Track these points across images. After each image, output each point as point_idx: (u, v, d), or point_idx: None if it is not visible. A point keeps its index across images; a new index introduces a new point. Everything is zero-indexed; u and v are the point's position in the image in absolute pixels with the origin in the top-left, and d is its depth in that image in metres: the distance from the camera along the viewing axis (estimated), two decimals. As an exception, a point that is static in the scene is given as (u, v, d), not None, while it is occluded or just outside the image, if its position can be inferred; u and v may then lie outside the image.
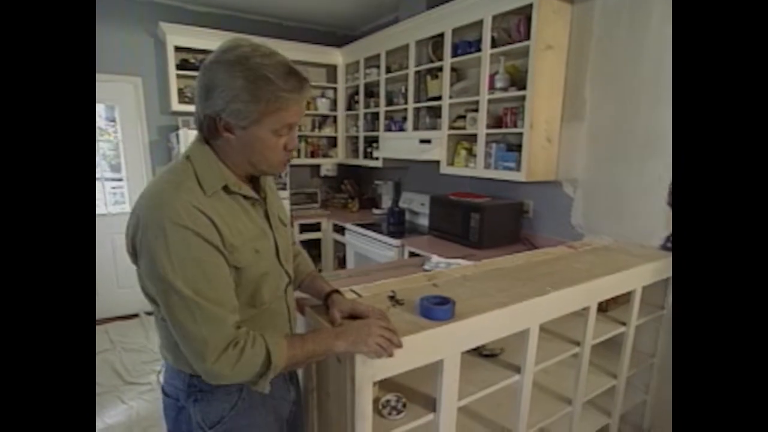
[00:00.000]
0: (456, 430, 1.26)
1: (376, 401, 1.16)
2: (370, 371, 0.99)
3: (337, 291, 1.15)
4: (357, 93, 3.83)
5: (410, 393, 1.24)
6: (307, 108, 3.94)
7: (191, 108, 3.25)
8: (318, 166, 4.22)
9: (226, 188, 0.89)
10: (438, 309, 1.12)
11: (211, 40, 3.24)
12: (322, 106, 3.99)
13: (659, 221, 1.97)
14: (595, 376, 1.79)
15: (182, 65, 3.26)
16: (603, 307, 1.84)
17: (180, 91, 3.28)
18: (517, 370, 1.39)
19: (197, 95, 0.87)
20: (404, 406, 1.17)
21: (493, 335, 1.24)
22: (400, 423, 1.13)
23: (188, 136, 2.96)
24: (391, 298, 1.26)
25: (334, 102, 4.06)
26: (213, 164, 0.88)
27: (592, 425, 1.80)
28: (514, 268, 1.62)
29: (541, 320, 1.35)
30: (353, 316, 1.06)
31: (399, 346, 0.97)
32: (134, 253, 0.84)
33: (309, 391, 1.23)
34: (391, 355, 0.96)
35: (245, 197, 0.93)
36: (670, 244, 1.95)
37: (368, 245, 3.12)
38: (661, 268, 1.82)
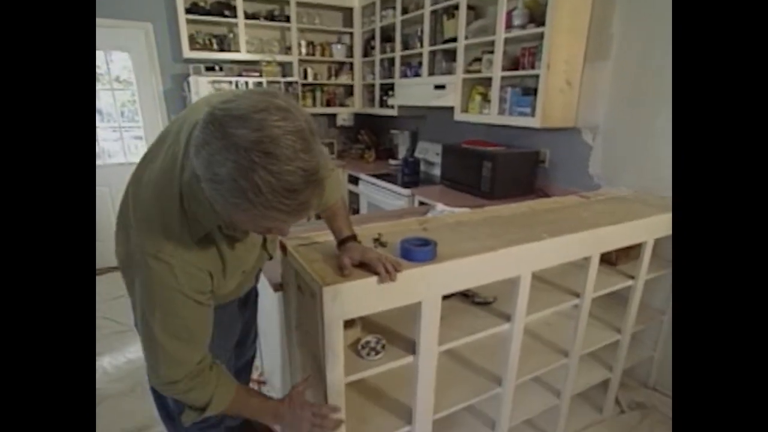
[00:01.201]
0: (442, 373, 1.25)
1: (356, 342, 1.16)
2: (338, 310, 0.97)
3: (353, 237, 1.10)
4: (373, 38, 3.66)
5: (394, 336, 1.23)
6: (321, 54, 3.83)
7: (203, 55, 3.22)
8: (334, 116, 4.14)
9: (220, 228, 0.85)
10: (418, 250, 1.08)
11: (221, -19, 3.13)
12: (338, 53, 3.85)
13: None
14: (599, 330, 1.74)
15: (192, 9, 3.18)
16: (612, 260, 1.76)
17: (191, 38, 3.22)
18: (509, 318, 1.35)
19: (194, 134, 0.68)
20: (383, 347, 1.16)
21: (478, 280, 1.20)
22: (378, 363, 1.13)
23: (198, 83, 2.94)
24: (376, 240, 1.23)
25: (350, 48, 3.91)
26: (205, 210, 0.77)
27: (592, 378, 1.77)
28: (513, 216, 1.55)
29: (533, 268, 1.29)
30: (363, 264, 1.02)
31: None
32: (123, 270, 0.89)
33: (292, 329, 1.24)
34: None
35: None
36: (691, 195, 1.81)
37: (380, 195, 3.09)
38: (679, 220, 1.70)
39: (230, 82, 3.02)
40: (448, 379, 1.38)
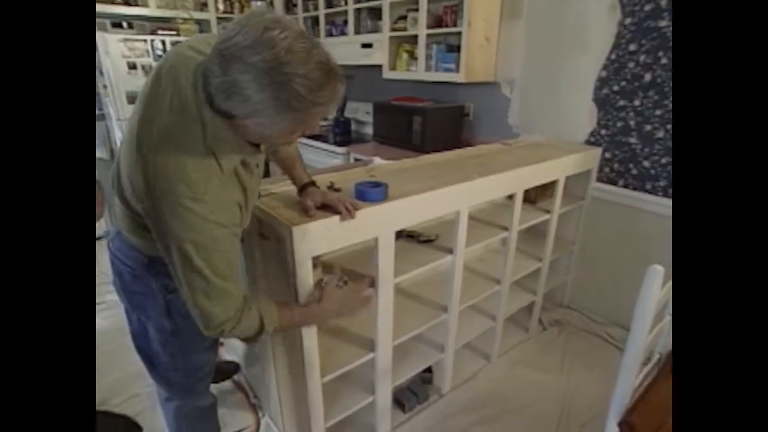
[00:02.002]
0: (397, 308, 1.40)
1: (320, 281, 1.26)
2: (308, 246, 1.06)
3: (312, 183, 1.19)
4: (294, -6, 3.57)
5: (351, 274, 1.35)
6: (240, 11, 3.65)
7: (105, 8, 2.92)
8: (258, 78, 4.01)
9: (243, 162, 0.88)
10: (371, 191, 1.19)
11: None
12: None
13: (584, 117, 2.09)
14: (523, 260, 2.00)
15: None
16: (532, 199, 2.00)
17: (91, -10, 2.90)
18: (451, 251, 1.53)
19: (215, 81, 0.72)
20: (345, 283, 1.27)
21: (424, 216, 1.34)
22: (342, 297, 1.25)
23: (107, 42, 2.68)
24: (329, 187, 1.31)
25: (271, 5, 3.77)
26: (230, 139, 0.81)
27: (520, 302, 2.04)
28: (448, 161, 1.70)
29: (469, 203, 1.46)
30: (324, 206, 1.13)
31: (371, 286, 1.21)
32: (145, 209, 0.83)
33: (258, 277, 1.31)
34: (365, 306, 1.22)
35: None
36: (593, 139, 2.09)
37: (315, 155, 3.12)
38: (583, 160, 1.98)
39: (144, 41, 2.80)
40: (402, 312, 1.54)
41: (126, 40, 2.71)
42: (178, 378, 1.17)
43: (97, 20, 2.91)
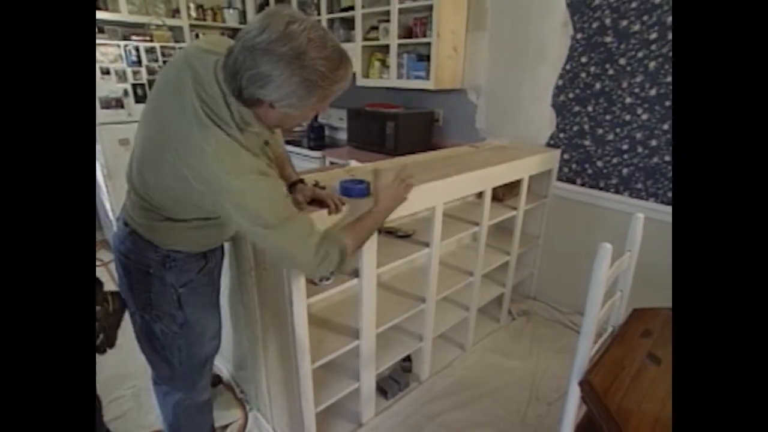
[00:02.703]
0: (379, 300, 1.50)
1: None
2: (300, 239, 1.15)
3: (301, 180, 1.30)
4: (267, 3, 3.63)
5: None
6: (213, 20, 3.69)
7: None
8: (231, 85, 4.04)
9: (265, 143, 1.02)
10: (355, 187, 1.29)
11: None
12: (230, 18, 3.74)
13: (545, 122, 2.28)
14: (492, 255, 2.14)
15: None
16: (500, 197, 2.16)
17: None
18: (427, 245, 1.65)
19: (245, 71, 0.83)
20: (332, 274, 1.37)
21: (403, 211, 1.45)
22: (329, 287, 1.34)
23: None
24: (315, 184, 1.41)
25: (243, 14, 3.82)
26: (253, 125, 0.94)
27: (491, 294, 2.18)
28: (423, 162, 1.83)
29: (444, 199, 1.59)
30: (314, 200, 1.25)
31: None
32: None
33: (248, 271, 1.38)
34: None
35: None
36: (552, 141, 2.28)
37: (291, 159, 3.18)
38: (545, 160, 2.16)
39: (117, 45, 2.81)
40: (383, 303, 1.64)
41: (98, 45, 2.71)
42: (182, 371, 1.24)
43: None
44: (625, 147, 2.01)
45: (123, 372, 1.92)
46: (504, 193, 2.15)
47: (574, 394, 1.05)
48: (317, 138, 3.32)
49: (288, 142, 3.29)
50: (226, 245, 1.41)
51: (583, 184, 2.21)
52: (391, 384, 1.81)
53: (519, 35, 2.26)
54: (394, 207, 1.25)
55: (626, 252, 1.21)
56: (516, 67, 2.32)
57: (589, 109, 2.09)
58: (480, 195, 1.84)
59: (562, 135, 2.23)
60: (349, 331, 1.51)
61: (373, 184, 1.24)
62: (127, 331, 1.21)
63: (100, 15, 2.98)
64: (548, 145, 2.30)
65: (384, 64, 2.77)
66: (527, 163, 2.02)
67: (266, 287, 1.35)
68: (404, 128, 2.62)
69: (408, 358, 1.89)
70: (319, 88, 0.85)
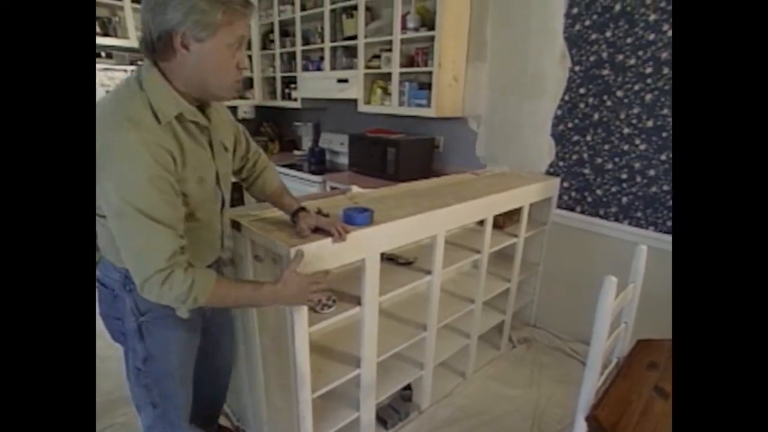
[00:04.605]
0: (380, 327, 1.49)
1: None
2: (302, 268, 1.15)
3: (303, 208, 1.28)
4: (272, 31, 3.72)
5: (339, 294, 1.44)
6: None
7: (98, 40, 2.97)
8: (235, 108, 4.10)
9: (179, 116, 0.93)
10: (359, 215, 1.30)
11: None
12: (234, 44, 3.82)
13: (544, 150, 2.31)
14: (493, 281, 2.14)
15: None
16: (500, 225, 2.17)
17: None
18: (429, 272, 1.64)
19: (147, 12, 0.86)
20: (334, 302, 1.37)
21: (406, 239, 1.46)
22: (331, 315, 1.33)
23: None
24: (318, 212, 1.41)
25: (248, 41, 3.90)
26: (168, 92, 0.91)
27: (491, 321, 2.17)
28: (425, 189, 1.85)
29: (446, 227, 1.60)
30: (317, 229, 1.22)
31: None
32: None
33: (247, 298, 1.37)
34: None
35: (196, 124, 0.98)
36: (552, 170, 2.30)
37: (291, 183, 3.18)
38: (545, 188, 2.18)
39: (125, 71, 2.86)
40: (383, 330, 1.62)
41: (106, 69, 2.76)
42: (156, 413, 1.17)
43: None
44: (624, 176, 2.04)
45: (116, 398, 1.87)
46: (504, 220, 2.16)
47: (581, 429, 1.04)
48: (318, 162, 3.35)
49: (289, 166, 3.33)
50: (230, 274, 1.41)
51: (582, 212, 2.23)
52: (391, 413, 1.77)
53: (518, 66, 2.32)
54: (288, 302, 1.09)
55: (630, 284, 1.22)
56: (515, 97, 2.37)
57: (588, 138, 2.13)
58: (481, 222, 1.85)
59: (561, 163, 2.26)
60: (350, 359, 1.49)
61: (291, 262, 1.09)
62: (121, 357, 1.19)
63: (108, 41, 3.04)
64: (548, 173, 2.32)
65: (386, 92, 2.82)
66: (528, 191, 2.03)
67: (267, 313, 1.34)
68: (405, 154, 2.65)
69: (408, 387, 1.86)
70: (222, 6, 0.85)
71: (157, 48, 0.88)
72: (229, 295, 1.00)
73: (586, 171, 2.17)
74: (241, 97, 4.01)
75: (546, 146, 2.30)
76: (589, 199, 2.19)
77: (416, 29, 2.51)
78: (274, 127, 4.21)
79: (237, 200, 3.62)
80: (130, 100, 0.89)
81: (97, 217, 0.97)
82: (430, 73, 2.47)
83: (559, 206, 2.31)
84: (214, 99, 1.02)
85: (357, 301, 1.40)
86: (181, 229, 0.93)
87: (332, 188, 2.80)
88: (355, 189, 2.34)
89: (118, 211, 0.86)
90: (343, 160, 3.37)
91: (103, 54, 2.98)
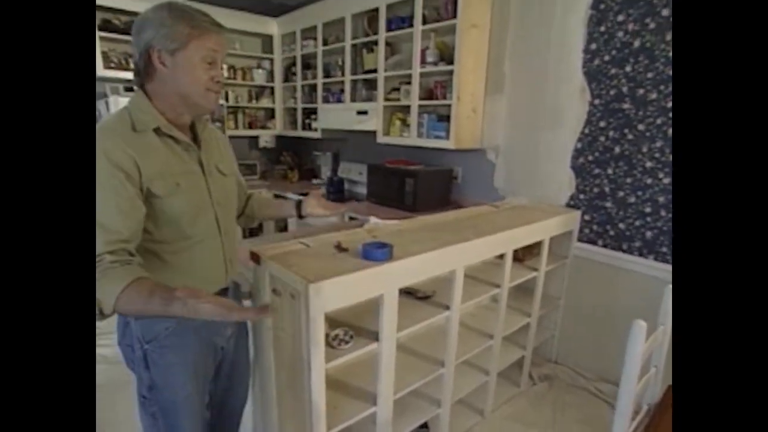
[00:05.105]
0: (396, 363, 1.46)
1: (326, 335, 1.33)
2: (321, 303, 1.14)
3: (301, 200, 1.39)
4: (294, 65, 3.84)
5: (357, 329, 1.42)
6: (242, 78, 3.90)
7: (120, 74, 3.13)
8: (256, 138, 4.21)
9: (157, 130, 1.01)
10: (378, 251, 1.29)
11: (136, 1, 3.09)
12: (258, 77, 3.96)
13: (564, 183, 2.29)
14: (513, 316, 2.09)
15: (105, 26, 3.08)
16: (520, 258, 2.13)
17: (104, 55, 3.11)
18: (447, 307, 1.62)
19: (133, 37, 0.99)
20: (351, 338, 1.35)
21: (425, 275, 1.45)
22: (348, 351, 1.31)
23: (119, 104, 2.85)
24: (337, 246, 1.42)
25: (271, 73, 4.04)
26: (147, 108, 1.01)
27: (511, 357, 2.11)
28: (443, 222, 1.84)
29: (465, 263, 1.58)
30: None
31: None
32: None
33: (265, 330, 1.36)
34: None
35: (176, 141, 1.06)
36: (572, 202, 2.28)
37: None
38: (565, 221, 2.14)
39: None
40: (400, 366, 1.59)
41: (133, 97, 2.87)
42: None
43: (111, 85, 3.10)
44: (647, 210, 2.00)
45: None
46: (524, 253, 2.13)
47: (609, 481, 0.98)
48: (337, 191, 3.39)
49: (306, 195, 3.35)
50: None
51: (605, 246, 2.18)
52: (408, 454, 1.71)
53: (537, 99, 2.33)
54: (208, 315, 0.85)
55: (660, 326, 1.17)
56: (534, 129, 2.37)
57: (609, 171, 2.10)
58: (501, 255, 1.83)
59: (582, 196, 2.23)
60: (366, 395, 1.45)
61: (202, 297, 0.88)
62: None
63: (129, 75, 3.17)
64: (568, 205, 2.29)
65: (404, 123, 2.86)
66: (548, 224, 2.01)
67: (283, 348, 1.33)
68: (423, 185, 2.66)
69: (425, 425, 1.80)
70: (186, 17, 0.97)
71: (140, 69, 1.01)
72: (139, 303, 0.86)
73: (608, 204, 2.13)
74: (262, 127, 4.12)
75: (566, 178, 2.28)
76: (612, 233, 2.14)
77: (435, 63, 2.55)
78: (293, 156, 4.29)
79: (256, 229, 3.67)
80: (113, 115, 1.02)
81: None
82: (449, 105, 2.50)
83: (580, 239, 2.26)
84: (198, 111, 1.09)
85: (374, 336, 1.38)
86: (126, 236, 0.93)
87: (350, 218, 2.81)
88: (374, 220, 2.34)
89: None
90: (362, 189, 3.40)
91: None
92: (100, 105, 3.15)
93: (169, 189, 1.02)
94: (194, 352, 1.15)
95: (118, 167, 0.92)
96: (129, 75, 3.15)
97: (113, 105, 2.85)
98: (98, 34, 3.04)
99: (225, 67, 3.72)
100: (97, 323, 0.84)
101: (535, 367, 2.32)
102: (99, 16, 3.07)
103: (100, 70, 3.07)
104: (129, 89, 3.08)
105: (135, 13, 3.14)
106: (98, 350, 2.56)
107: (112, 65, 3.15)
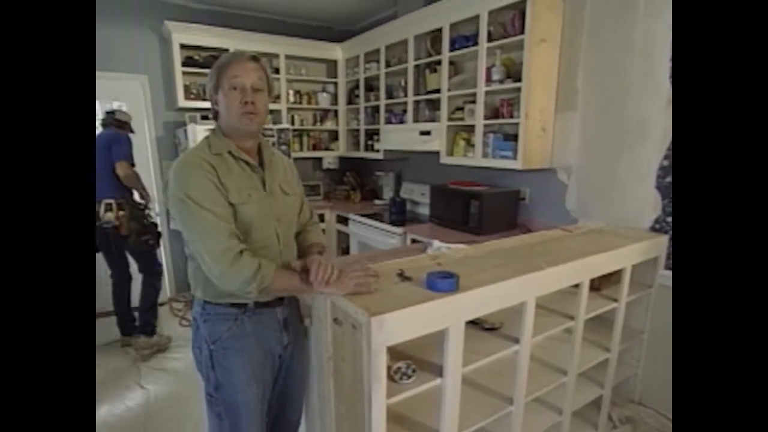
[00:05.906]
0: (461, 397, 1.38)
1: (388, 368, 1.28)
2: (383, 336, 1.10)
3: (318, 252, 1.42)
4: (357, 87, 3.92)
5: (420, 362, 1.35)
6: (308, 102, 4.04)
7: (198, 104, 3.37)
8: (320, 159, 4.33)
9: (230, 153, 1.23)
10: (443, 282, 1.23)
11: (214, 37, 3.33)
12: (323, 100, 4.08)
13: (648, 204, 2.09)
14: (590, 350, 1.91)
15: (187, 62, 3.35)
16: (596, 286, 1.96)
17: (186, 88, 3.37)
18: (516, 341, 1.51)
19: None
20: (414, 371, 1.29)
21: (493, 307, 1.36)
22: (411, 386, 1.25)
23: (196, 131, 3.06)
24: (400, 274, 1.37)
25: (335, 96, 4.15)
26: (220, 137, 1.25)
27: (587, 396, 1.92)
28: (512, 248, 1.73)
29: (537, 293, 1.46)
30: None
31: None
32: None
33: (326, 359, 1.34)
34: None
35: (245, 162, 1.26)
36: (657, 226, 2.07)
37: (371, 234, 3.23)
38: (650, 248, 1.94)
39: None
40: (464, 401, 1.50)
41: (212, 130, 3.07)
42: None
43: (188, 114, 3.35)
44: (750, 237, 1.75)
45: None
46: (601, 281, 1.95)
47: None
48: (398, 212, 3.36)
49: (369, 216, 3.37)
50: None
51: (697, 276, 1.94)
52: (473, 497, 1.60)
53: (614, 114, 2.16)
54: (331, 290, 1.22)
55: None
56: (612, 146, 2.20)
57: (702, 193, 1.88)
58: (576, 284, 1.68)
59: (670, 219, 2.02)
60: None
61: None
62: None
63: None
64: (653, 229, 2.08)
65: (469, 143, 2.78)
66: (630, 251, 1.83)
67: (344, 379, 1.29)
68: (489, 207, 2.56)
69: (492, 467, 1.67)
70: (215, 66, 1.22)
71: (213, 111, 1.28)
72: (282, 283, 1.20)
73: (701, 229, 1.91)
74: (326, 149, 4.23)
75: (650, 200, 2.08)
76: (706, 262, 1.91)
77: (501, 81, 2.47)
78: (356, 177, 4.35)
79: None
80: (195, 146, 1.27)
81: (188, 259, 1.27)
82: (516, 124, 2.40)
83: (667, 267, 2.04)
84: (243, 134, 1.25)
85: (438, 371, 1.30)
86: (233, 224, 1.18)
87: (413, 241, 2.77)
88: (437, 244, 2.28)
89: (175, 201, 1.15)
90: (424, 210, 3.35)
91: (210, 116, 3.34)
92: (179, 132, 3.40)
93: (243, 198, 1.22)
94: (253, 356, 1.29)
95: (205, 170, 1.16)
96: (205, 104, 3.39)
97: (191, 132, 3.06)
98: (181, 69, 3.30)
99: (291, 92, 3.88)
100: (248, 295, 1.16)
101: (616, 408, 2.10)
102: (182, 54, 3.33)
103: (181, 101, 3.33)
104: (205, 117, 3.30)
105: (214, 49, 3.39)
106: (169, 363, 2.72)
107: (192, 96, 3.40)
